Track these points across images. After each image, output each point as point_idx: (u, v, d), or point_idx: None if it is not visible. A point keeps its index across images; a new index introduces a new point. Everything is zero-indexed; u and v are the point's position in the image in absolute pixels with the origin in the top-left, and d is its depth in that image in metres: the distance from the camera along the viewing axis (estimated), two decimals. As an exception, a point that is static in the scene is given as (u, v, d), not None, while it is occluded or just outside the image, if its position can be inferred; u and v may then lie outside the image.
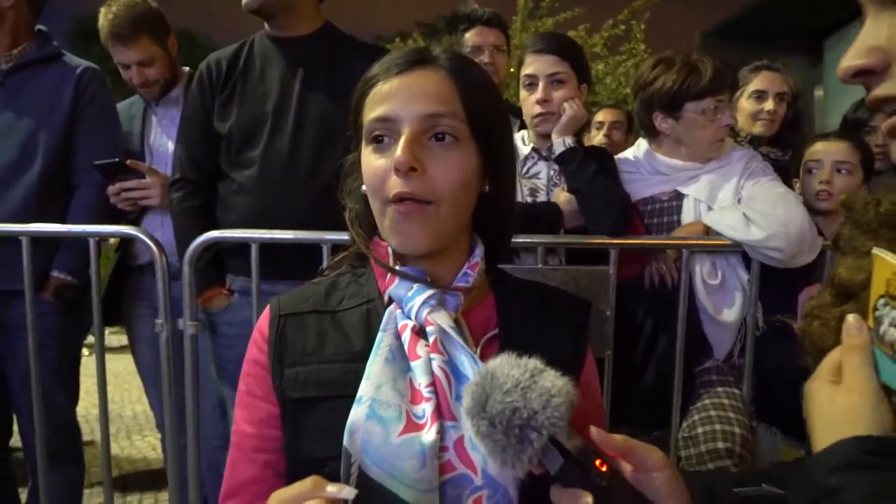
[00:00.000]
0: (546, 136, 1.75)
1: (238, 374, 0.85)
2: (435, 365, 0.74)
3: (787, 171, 2.19)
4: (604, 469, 0.63)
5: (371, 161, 0.77)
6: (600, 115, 3.43)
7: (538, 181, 1.78)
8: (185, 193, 1.80)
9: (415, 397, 0.74)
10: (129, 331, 2.32)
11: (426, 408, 0.72)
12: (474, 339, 0.80)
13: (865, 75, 0.56)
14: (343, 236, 1.55)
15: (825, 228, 1.84)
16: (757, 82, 2.31)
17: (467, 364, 0.74)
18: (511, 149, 0.89)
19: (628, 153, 1.89)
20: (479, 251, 0.83)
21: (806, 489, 0.53)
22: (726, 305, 1.68)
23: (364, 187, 0.80)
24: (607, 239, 1.64)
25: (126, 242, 2.19)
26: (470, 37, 2.30)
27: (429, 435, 0.70)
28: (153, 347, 1.91)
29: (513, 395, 0.61)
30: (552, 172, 1.77)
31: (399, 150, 0.73)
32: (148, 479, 3.07)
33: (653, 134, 1.80)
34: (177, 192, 1.82)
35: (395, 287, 0.79)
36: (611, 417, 1.54)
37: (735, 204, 1.68)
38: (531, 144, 1.81)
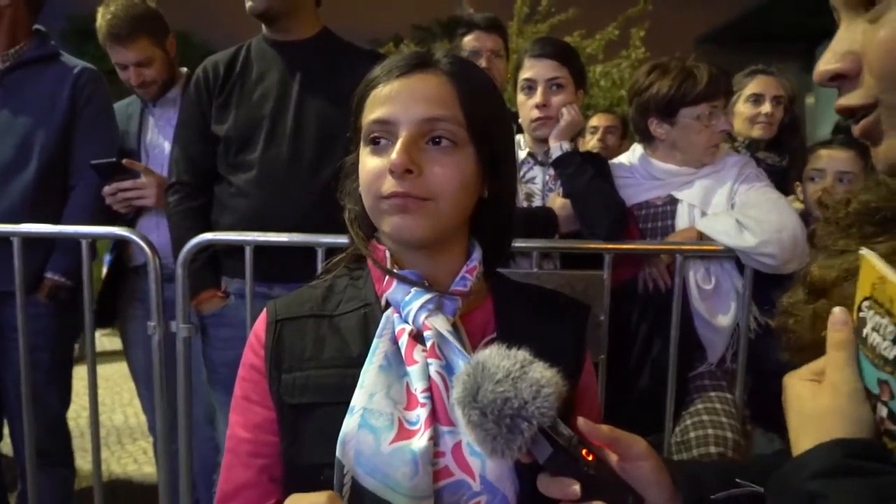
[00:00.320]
0: (543, 141, 1.75)
1: (232, 378, 0.85)
2: (432, 370, 0.74)
3: (786, 176, 2.20)
4: (591, 458, 0.65)
5: (367, 162, 0.78)
6: (595, 120, 3.44)
7: (534, 186, 1.79)
8: (181, 196, 1.80)
9: (410, 403, 0.74)
10: (122, 333, 2.31)
11: (420, 414, 0.72)
12: (472, 342, 0.79)
13: (840, 80, 0.56)
14: (338, 239, 1.56)
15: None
16: (753, 86, 2.31)
17: None
18: (512, 154, 0.89)
19: (623, 158, 1.90)
20: (477, 255, 0.83)
21: (786, 495, 0.52)
22: (720, 310, 1.69)
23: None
24: (602, 244, 1.65)
25: (122, 244, 2.18)
26: (468, 41, 2.30)
27: (420, 441, 0.70)
28: (147, 350, 1.90)
29: (504, 385, 0.62)
30: (547, 178, 1.78)
31: (395, 152, 0.73)
32: (139, 485, 3.05)
33: (648, 139, 1.81)
34: (173, 196, 1.81)
35: (392, 291, 0.79)
36: (605, 421, 1.54)
37: (728, 210, 1.69)
38: (527, 149, 1.82)
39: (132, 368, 2.28)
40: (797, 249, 1.60)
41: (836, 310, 0.55)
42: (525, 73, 1.76)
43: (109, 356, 4.33)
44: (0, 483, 2.17)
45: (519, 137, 1.86)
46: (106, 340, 4.70)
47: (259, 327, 0.84)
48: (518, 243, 1.63)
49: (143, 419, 2.61)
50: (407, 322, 0.77)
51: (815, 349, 0.66)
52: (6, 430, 2.09)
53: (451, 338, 0.75)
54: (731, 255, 1.64)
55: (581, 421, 0.66)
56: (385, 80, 0.78)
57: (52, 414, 2.05)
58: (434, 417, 0.73)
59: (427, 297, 0.77)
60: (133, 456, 3.42)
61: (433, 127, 0.75)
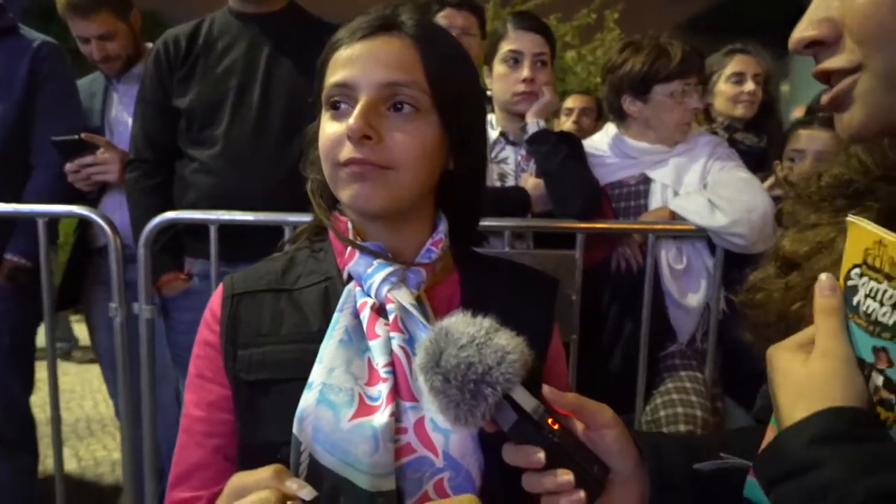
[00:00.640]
0: (519, 117, 1.73)
1: None
2: (395, 344, 0.72)
3: (766, 157, 2.20)
4: (556, 427, 0.63)
5: (326, 127, 0.75)
6: (570, 102, 3.42)
7: (506, 167, 1.77)
8: (141, 173, 1.74)
9: (372, 378, 0.72)
10: (87, 316, 2.25)
11: (382, 389, 0.70)
12: (437, 316, 0.77)
13: (816, 46, 0.55)
14: (307, 218, 1.51)
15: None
16: (734, 65, 2.29)
17: None
18: (482, 126, 0.86)
19: (596, 137, 1.89)
20: (443, 227, 0.81)
21: (778, 462, 0.50)
22: (691, 290, 1.69)
23: None
24: (574, 223, 1.64)
25: (85, 225, 2.12)
26: (439, 19, 2.27)
27: (381, 417, 0.68)
28: (111, 332, 1.85)
29: (468, 351, 0.61)
30: (520, 158, 1.77)
31: (353, 117, 0.70)
32: (107, 473, 3.00)
33: (621, 117, 1.79)
34: (132, 173, 1.76)
35: (354, 263, 0.76)
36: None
37: (701, 189, 1.69)
38: (499, 129, 1.79)
39: (97, 352, 2.24)
40: (766, 230, 1.60)
41: (823, 276, 0.54)
42: (510, 45, 1.72)
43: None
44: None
45: (490, 116, 1.83)
46: (77, 327, 4.61)
47: (215, 302, 0.81)
48: (490, 222, 1.61)
49: (109, 408, 2.55)
50: (369, 295, 0.75)
51: (783, 325, 0.65)
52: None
53: (414, 311, 0.73)
54: (703, 235, 1.64)
55: (546, 389, 0.64)
56: (347, 43, 0.75)
57: (13, 399, 2.00)
58: (396, 393, 0.71)
59: (390, 269, 0.75)
60: (102, 442, 3.36)
61: (394, 92, 0.72)
